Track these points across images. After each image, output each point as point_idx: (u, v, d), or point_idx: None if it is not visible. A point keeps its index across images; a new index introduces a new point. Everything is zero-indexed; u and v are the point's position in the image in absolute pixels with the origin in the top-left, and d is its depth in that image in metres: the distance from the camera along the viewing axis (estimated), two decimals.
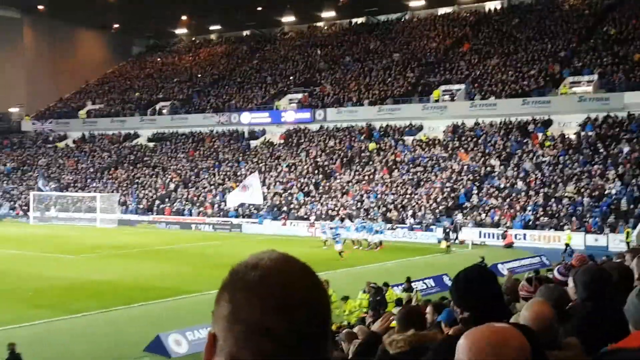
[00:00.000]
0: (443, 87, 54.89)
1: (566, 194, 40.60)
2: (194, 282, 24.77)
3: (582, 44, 53.96)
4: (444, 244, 35.86)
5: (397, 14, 70.53)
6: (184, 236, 44.00)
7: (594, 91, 47.82)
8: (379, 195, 46.18)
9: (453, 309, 3.25)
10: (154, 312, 21.19)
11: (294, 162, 54.15)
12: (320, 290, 1.31)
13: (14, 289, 24.40)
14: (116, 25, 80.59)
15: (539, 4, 62.37)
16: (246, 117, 61.32)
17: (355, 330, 8.71)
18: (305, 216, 46.41)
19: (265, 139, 59.87)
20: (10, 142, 72.21)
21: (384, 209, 44.27)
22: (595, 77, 48.92)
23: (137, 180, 58.56)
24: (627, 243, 32.81)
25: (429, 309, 6.43)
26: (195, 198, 53.10)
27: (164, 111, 68.33)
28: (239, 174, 54.32)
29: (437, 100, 53.56)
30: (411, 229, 41.68)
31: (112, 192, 56.72)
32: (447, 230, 37.31)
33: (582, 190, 40.37)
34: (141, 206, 54.06)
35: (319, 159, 53.57)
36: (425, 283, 23.66)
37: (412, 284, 21.35)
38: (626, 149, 42.62)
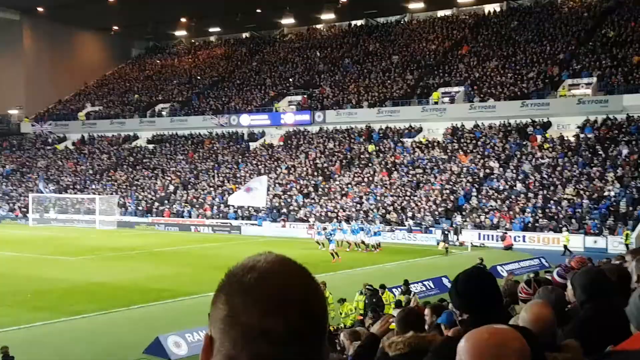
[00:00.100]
0: (442, 90, 54.97)
1: (565, 196, 40.64)
2: (193, 284, 24.72)
3: (581, 46, 54.00)
4: (442, 246, 35.84)
5: (397, 16, 70.55)
6: (183, 238, 43.91)
7: (592, 93, 47.92)
8: (378, 197, 46.19)
9: (452, 311, 3.25)
10: (154, 314, 21.15)
11: (293, 164, 54.15)
12: (317, 292, 1.31)
13: (12, 291, 24.30)
14: (115, 27, 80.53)
15: (538, 7, 62.42)
16: (245, 119, 61.33)
17: (357, 329, 8.69)
18: (305, 218, 46.43)
19: (264, 141, 59.87)
20: (9, 144, 72.21)
21: (383, 210, 44.28)
22: (594, 79, 49.01)
23: (136, 182, 58.54)
24: (626, 245, 32.90)
25: (427, 311, 6.41)
26: (195, 200, 53.07)
27: (164, 113, 68.36)
28: (238, 175, 54.36)
29: (436, 103, 53.63)
30: (410, 230, 41.70)
31: (112, 194, 56.71)
32: (446, 232, 37.30)
33: (581, 192, 40.43)
34: (140, 208, 54.04)
35: (318, 161, 53.57)
36: (424, 285, 23.67)
37: (410, 287, 21.32)
38: (625, 151, 42.68)
